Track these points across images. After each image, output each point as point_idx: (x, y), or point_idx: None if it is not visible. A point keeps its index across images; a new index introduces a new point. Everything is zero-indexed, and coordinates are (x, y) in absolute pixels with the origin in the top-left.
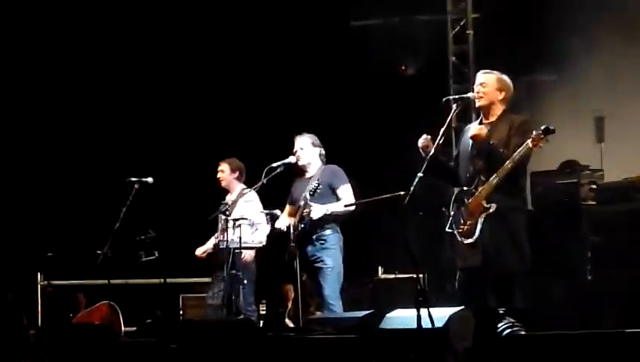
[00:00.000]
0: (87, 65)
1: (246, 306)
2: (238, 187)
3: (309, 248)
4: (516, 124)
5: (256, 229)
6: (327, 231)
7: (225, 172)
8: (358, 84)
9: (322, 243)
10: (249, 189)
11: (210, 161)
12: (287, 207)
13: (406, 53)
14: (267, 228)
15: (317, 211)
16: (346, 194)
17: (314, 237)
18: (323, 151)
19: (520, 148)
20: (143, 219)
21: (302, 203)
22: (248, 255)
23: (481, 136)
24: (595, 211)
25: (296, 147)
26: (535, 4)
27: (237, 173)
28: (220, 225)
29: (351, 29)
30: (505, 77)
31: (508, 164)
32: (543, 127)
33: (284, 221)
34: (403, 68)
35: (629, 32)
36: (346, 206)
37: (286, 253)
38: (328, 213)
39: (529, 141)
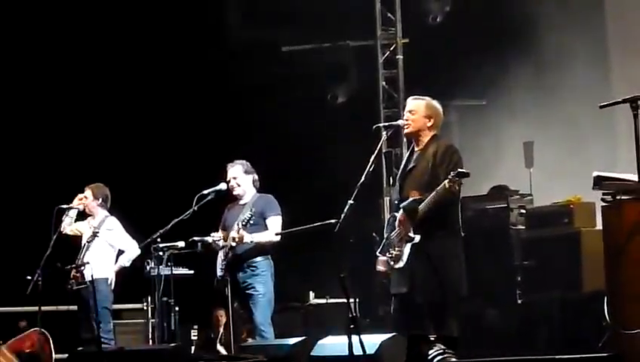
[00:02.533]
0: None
1: (103, 332)
2: (101, 213)
3: (240, 274)
4: (440, 151)
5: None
6: (258, 258)
7: (88, 198)
8: (289, 109)
9: (253, 270)
10: (111, 217)
11: (140, 189)
12: (220, 232)
13: (336, 78)
14: (136, 253)
15: (244, 238)
16: (274, 225)
17: (245, 263)
18: (256, 177)
19: (437, 189)
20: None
21: (232, 231)
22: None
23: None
24: (525, 235)
25: (229, 176)
26: (463, 31)
27: (100, 200)
28: (81, 252)
29: (281, 55)
30: (435, 102)
31: (430, 200)
32: (456, 171)
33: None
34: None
35: (554, 59)
36: (276, 234)
37: (215, 280)
38: (252, 243)
39: (446, 182)
